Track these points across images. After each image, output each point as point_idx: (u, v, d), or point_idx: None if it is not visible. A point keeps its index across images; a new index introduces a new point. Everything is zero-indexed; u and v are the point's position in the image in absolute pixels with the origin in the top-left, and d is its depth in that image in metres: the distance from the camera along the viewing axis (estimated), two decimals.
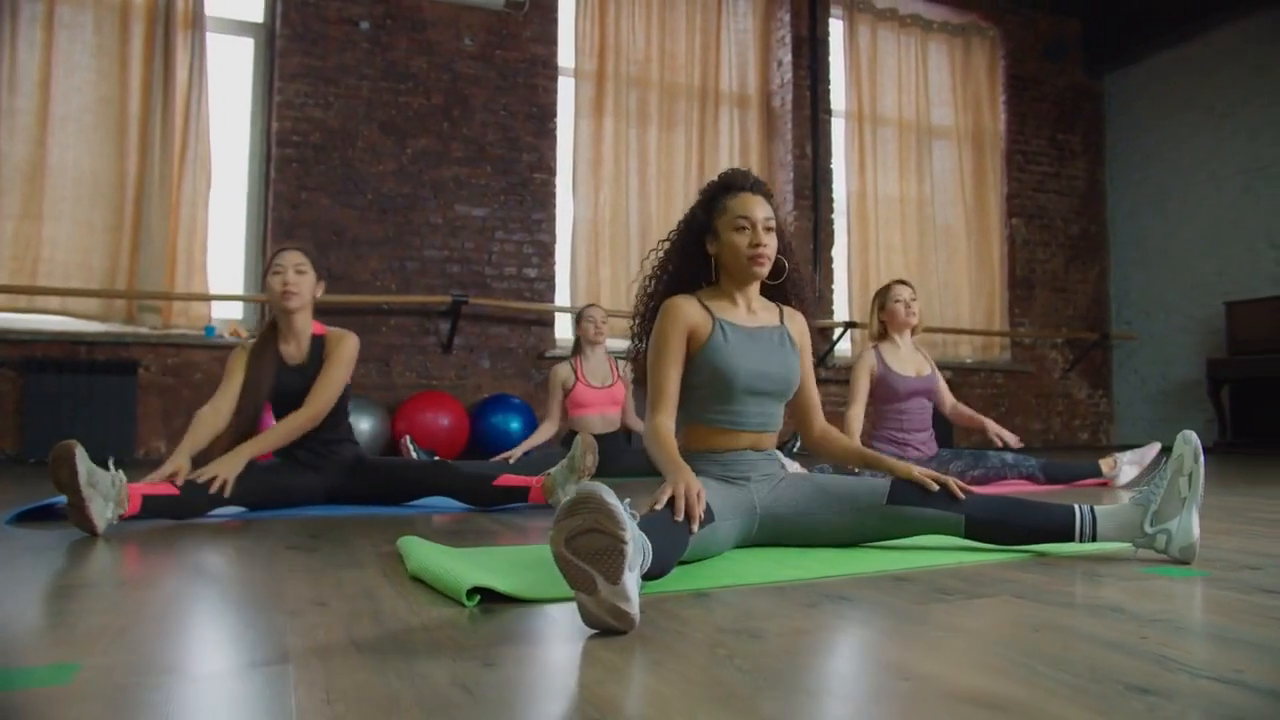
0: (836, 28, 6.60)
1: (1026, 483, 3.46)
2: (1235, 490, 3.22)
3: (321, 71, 5.18)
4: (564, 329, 5.80)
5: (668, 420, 1.81)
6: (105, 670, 1.01)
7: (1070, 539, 1.78)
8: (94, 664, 1.04)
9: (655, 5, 6.08)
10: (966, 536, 1.82)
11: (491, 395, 5.32)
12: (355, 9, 5.27)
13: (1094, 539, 1.76)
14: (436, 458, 3.99)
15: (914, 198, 6.74)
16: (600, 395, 4.11)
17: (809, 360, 2.02)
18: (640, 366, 1.96)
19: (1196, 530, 1.67)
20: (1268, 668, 1.04)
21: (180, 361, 4.83)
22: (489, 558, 1.77)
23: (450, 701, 0.91)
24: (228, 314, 5.14)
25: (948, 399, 3.65)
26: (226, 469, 2.46)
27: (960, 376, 6.55)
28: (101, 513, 2.07)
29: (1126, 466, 3.41)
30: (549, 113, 5.71)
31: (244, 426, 2.60)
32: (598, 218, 5.86)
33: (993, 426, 3.50)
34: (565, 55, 5.84)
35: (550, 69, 5.73)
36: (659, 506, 1.52)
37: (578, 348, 4.24)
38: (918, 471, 1.83)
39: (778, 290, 1.99)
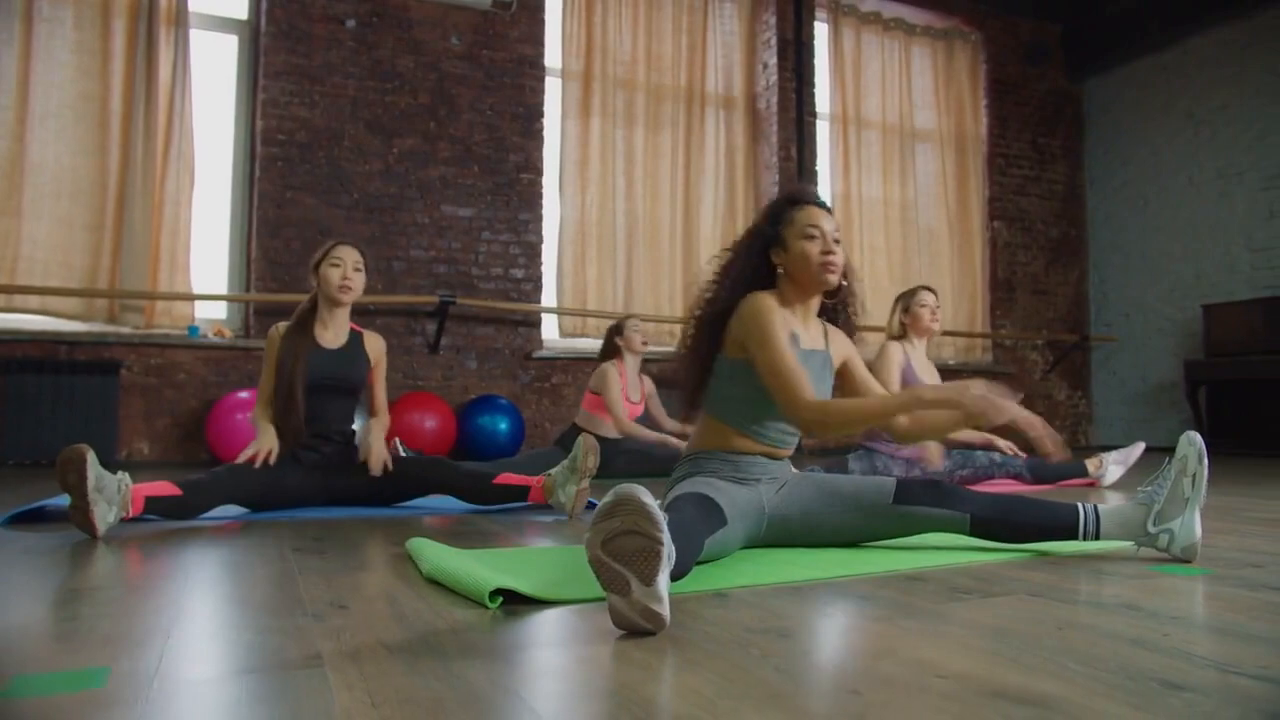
0: (821, 31, 6.64)
1: (1014, 482, 3.49)
2: (1223, 490, 3.27)
3: (307, 70, 5.13)
4: (550, 330, 5.80)
5: (814, 394, 1.79)
6: (137, 673, 0.99)
7: (1074, 537, 1.81)
8: (124, 667, 1.02)
9: (642, 6, 6.08)
10: (971, 534, 1.84)
11: (479, 396, 5.30)
12: (341, 7, 5.22)
13: (1097, 537, 1.79)
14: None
15: (898, 200, 6.79)
16: (631, 409, 4.12)
17: (862, 366, 2.05)
18: (688, 365, 1.94)
19: (1199, 530, 1.70)
20: None
21: (163, 362, 4.77)
22: (503, 559, 1.76)
23: (496, 703, 0.91)
24: (211, 314, 5.08)
25: None
26: (267, 442, 2.56)
27: (943, 378, 6.59)
28: (104, 516, 2.05)
29: (1112, 467, 3.46)
30: (536, 113, 5.70)
31: (280, 405, 2.64)
32: (584, 218, 5.85)
33: (1002, 443, 3.53)
34: (552, 55, 5.83)
35: (537, 69, 5.72)
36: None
37: (613, 354, 4.19)
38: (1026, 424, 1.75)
39: (829, 306, 1.99)
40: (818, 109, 6.53)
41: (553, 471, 2.60)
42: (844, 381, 2.03)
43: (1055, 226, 7.32)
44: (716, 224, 6.23)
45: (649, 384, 4.34)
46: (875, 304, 6.58)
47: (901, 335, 3.56)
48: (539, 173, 5.69)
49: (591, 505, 2.72)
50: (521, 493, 2.65)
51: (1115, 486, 3.48)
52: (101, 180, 4.76)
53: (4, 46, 4.59)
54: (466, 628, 1.23)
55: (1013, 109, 7.23)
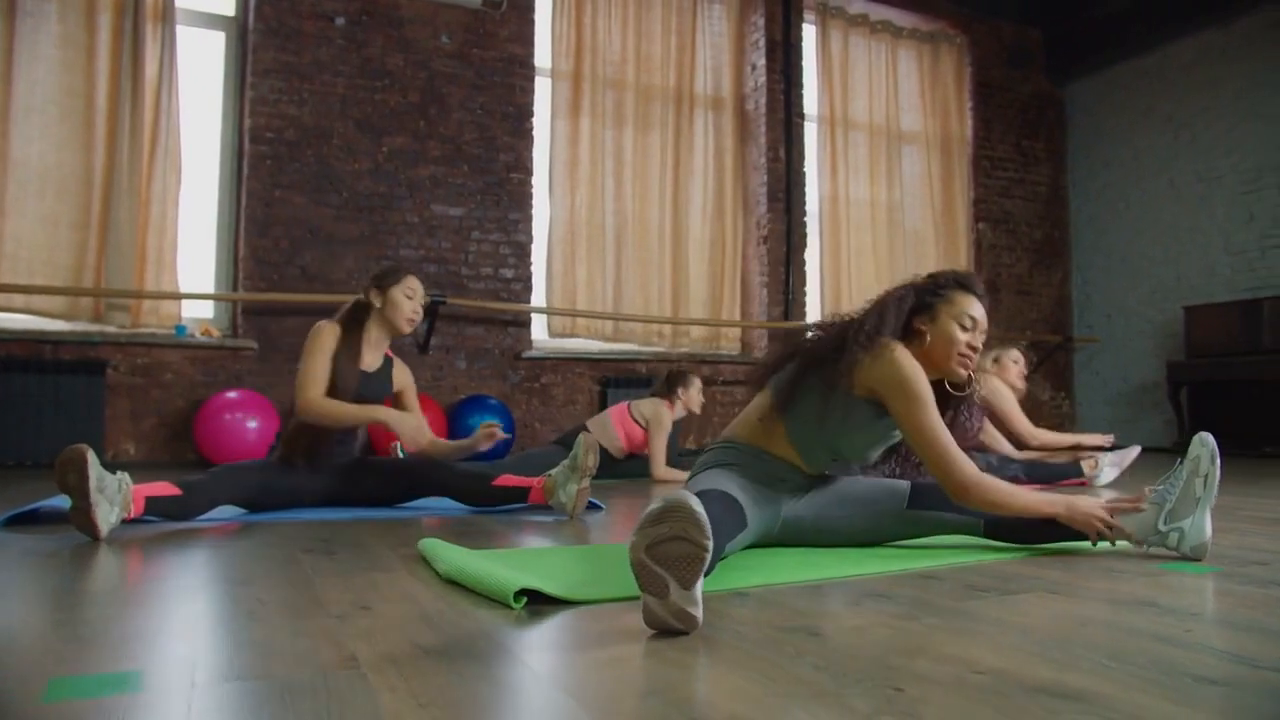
0: (809, 33, 6.67)
1: (1010, 483, 3.53)
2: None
3: (296, 67, 5.09)
4: (540, 330, 5.78)
5: (974, 469, 1.80)
6: (171, 676, 0.98)
7: (1086, 537, 1.83)
8: (157, 670, 1.01)
9: (631, 7, 6.08)
10: (985, 536, 1.86)
11: (468, 396, 5.28)
12: (330, 4, 5.18)
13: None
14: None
15: (884, 202, 6.83)
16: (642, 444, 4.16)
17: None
18: (799, 372, 1.87)
19: (1209, 529, 1.72)
20: None
21: (150, 361, 4.71)
22: (518, 559, 1.76)
23: (546, 704, 0.91)
24: (199, 313, 5.03)
25: None
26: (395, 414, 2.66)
27: None
28: (106, 517, 2.02)
29: (1108, 468, 3.50)
30: (526, 113, 5.68)
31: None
32: (574, 219, 5.84)
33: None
34: (542, 55, 5.81)
35: (527, 69, 5.70)
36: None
37: (667, 395, 4.20)
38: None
39: (950, 399, 1.94)
40: (806, 110, 6.56)
41: (553, 472, 2.59)
42: None
43: (1039, 228, 7.40)
44: (705, 224, 6.25)
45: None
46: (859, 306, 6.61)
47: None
48: (529, 172, 5.67)
49: (592, 505, 2.73)
50: (522, 494, 2.64)
51: (1110, 487, 3.52)
52: (86, 177, 4.69)
53: None
54: (495, 628, 1.23)
55: (997, 112, 7.30)
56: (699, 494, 1.68)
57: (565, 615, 1.31)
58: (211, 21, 5.19)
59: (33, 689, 0.94)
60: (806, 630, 1.21)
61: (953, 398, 1.95)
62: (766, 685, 0.96)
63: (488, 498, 2.67)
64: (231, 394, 4.58)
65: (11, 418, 4.31)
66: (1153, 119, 6.84)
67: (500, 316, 5.53)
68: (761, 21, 6.40)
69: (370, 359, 2.71)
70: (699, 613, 1.16)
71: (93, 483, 2.01)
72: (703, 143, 6.29)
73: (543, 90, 5.81)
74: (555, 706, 0.90)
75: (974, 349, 1.91)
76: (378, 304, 2.71)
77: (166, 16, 4.88)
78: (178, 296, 4.83)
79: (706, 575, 1.41)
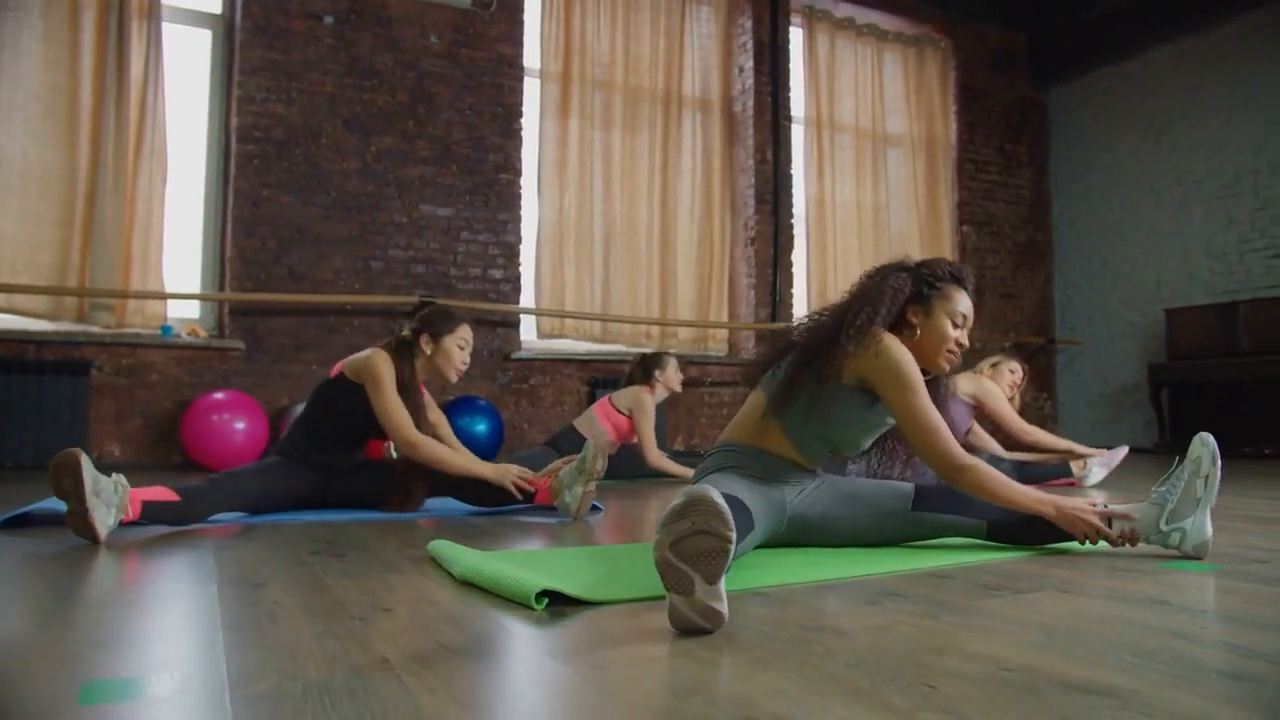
0: (796, 36, 6.71)
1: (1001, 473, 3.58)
2: None
3: (284, 66, 5.05)
4: (529, 331, 5.77)
5: (966, 453, 1.82)
6: (204, 678, 0.98)
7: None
8: (188, 672, 1.00)
9: (620, 8, 6.09)
10: (988, 539, 1.88)
11: (457, 397, 5.25)
12: (319, 3, 5.15)
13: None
14: None
15: (870, 204, 6.88)
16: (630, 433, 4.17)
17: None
18: (797, 367, 1.87)
19: (1210, 529, 1.75)
20: None
21: (135, 362, 4.65)
22: (532, 560, 1.76)
23: (588, 703, 0.91)
24: (185, 313, 4.98)
25: None
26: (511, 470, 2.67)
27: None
28: (104, 520, 1.99)
29: (1096, 468, 3.54)
30: (515, 113, 5.67)
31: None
32: (562, 219, 5.84)
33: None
34: (531, 56, 5.81)
35: (516, 69, 5.69)
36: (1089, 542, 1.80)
37: (644, 382, 4.21)
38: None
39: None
40: (792, 113, 6.60)
41: (560, 473, 2.59)
42: None
43: (1022, 231, 7.48)
44: (693, 225, 6.26)
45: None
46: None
47: None
48: (518, 173, 5.66)
49: (593, 507, 2.73)
50: (527, 495, 2.63)
51: (1098, 487, 3.57)
52: (70, 175, 4.64)
53: None
54: (519, 629, 1.23)
55: (981, 115, 7.37)
56: None
57: (586, 616, 1.31)
58: (198, 19, 5.14)
59: (65, 692, 0.93)
60: (831, 629, 1.22)
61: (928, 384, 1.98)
62: (802, 683, 0.97)
63: (493, 498, 2.66)
64: (219, 395, 4.54)
65: None
66: (1133, 124, 6.94)
67: (489, 317, 5.51)
68: (749, 24, 6.43)
69: (412, 394, 2.70)
70: (724, 609, 1.16)
71: (88, 486, 1.98)
72: (691, 144, 6.31)
73: (531, 91, 5.80)
74: (598, 708, 0.90)
75: (961, 345, 1.93)
76: (428, 351, 2.70)
77: (152, 13, 4.83)
78: (163, 296, 4.78)
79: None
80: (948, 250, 7.15)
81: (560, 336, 5.82)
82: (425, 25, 5.43)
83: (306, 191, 5.07)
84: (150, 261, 4.76)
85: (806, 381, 1.83)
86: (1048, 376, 7.48)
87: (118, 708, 0.88)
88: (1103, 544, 1.88)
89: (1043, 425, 7.33)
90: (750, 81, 6.40)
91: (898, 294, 1.90)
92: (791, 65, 6.62)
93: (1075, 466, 3.54)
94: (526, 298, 5.70)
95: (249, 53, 4.98)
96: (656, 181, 6.15)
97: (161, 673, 1.00)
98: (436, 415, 2.88)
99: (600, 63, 6.01)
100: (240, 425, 4.44)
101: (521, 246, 5.67)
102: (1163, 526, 1.77)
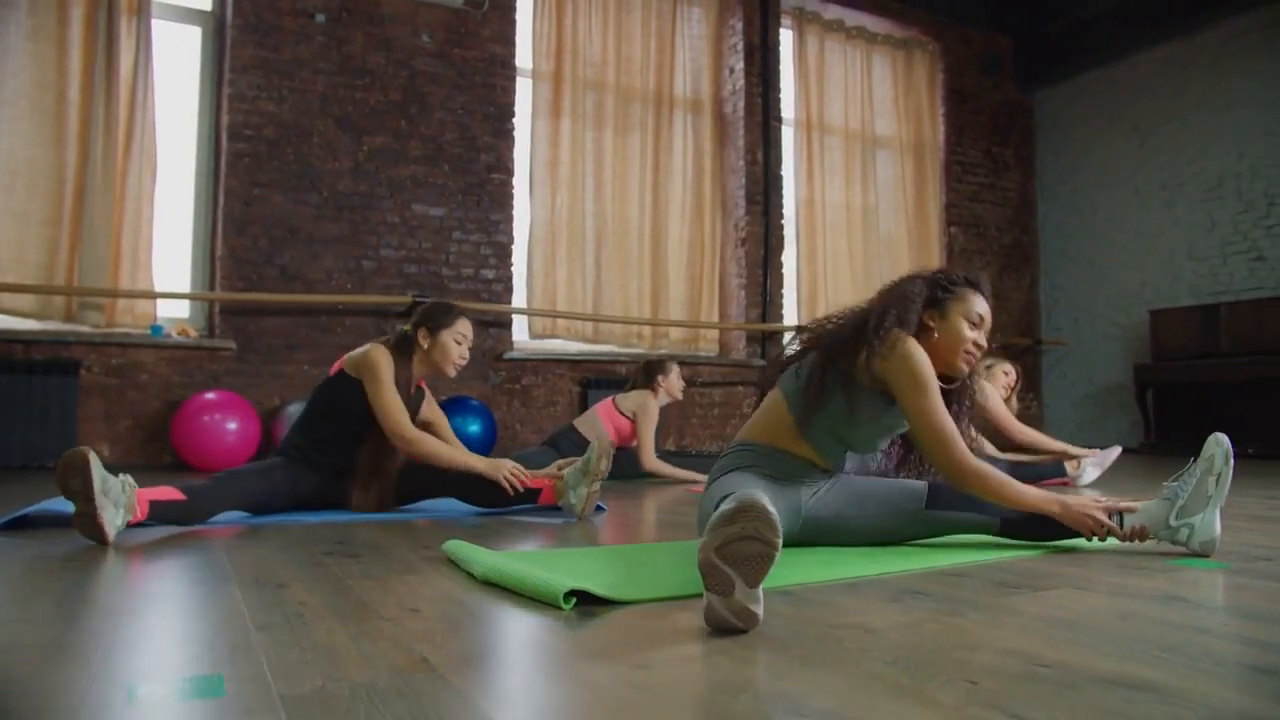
0: (786, 38, 6.74)
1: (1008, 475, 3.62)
2: None
3: (275, 64, 5.02)
4: (520, 331, 5.76)
5: (975, 458, 1.85)
6: (251, 680, 0.97)
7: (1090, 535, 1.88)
8: (230, 674, 1.00)
9: (611, 9, 6.09)
10: (1000, 535, 1.91)
11: (450, 397, 5.23)
12: (310, 1, 5.12)
13: (1120, 528, 1.86)
14: None
15: (859, 206, 6.92)
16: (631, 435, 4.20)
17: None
18: (820, 369, 1.89)
19: (1218, 526, 1.78)
20: None
21: (125, 362, 4.61)
22: (549, 561, 1.76)
23: (639, 702, 0.91)
24: (175, 313, 4.93)
25: None
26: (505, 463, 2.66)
27: None
28: (112, 521, 1.97)
29: (1090, 468, 3.58)
30: (507, 113, 5.66)
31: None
32: (554, 219, 5.83)
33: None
34: (523, 56, 5.80)
35: (508, 69, 5.68)
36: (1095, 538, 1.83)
37: (647, 386, 4.24)
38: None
39: (949, 394, 1.97)
40: (783, 114, 6.62)
41: (565, 473, 2.60)
42: None
43: (1008, 233, 7.55)
44: (684, 226, 6.27)
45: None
46: (836, 309, 6.69)
47: None
48: (510, 173, 5.65)
49: (599, 509, 2.73)
50: (532, 495, 2.64)
51: (1092, 486, 3.61)
52: (59, 173, 4.58)
53: None
54: (552, 629, 1.23)
55: (968, 118, 7.43)
56: (724, 498, 1.70)
57: (615, 616, 1.32)
58: (188, 16, 5.10)
59: (113, 695, 0.92)
60: (859, 627, 1.23)
61: (951, 392, 1.99)
62: (845, 681, 0.98)
63: (498, 499, 2.66)
64: (210, 395, 4.50)
65: None
66: (1118, 127, 7.02)
67: (481, 317, 5.50)
68: (740, 25, 6.45)
69: (409, 390, 2.70)
70: (760, 610, 1.17)
71: (97, 486, 1.96)
72: (682, 145, 6.32)
73: (524, 91, 5.79)
74: (651, 707, 0.91)
75: (979, 346, 1.96)
76: (425, 345, 2.70)
77: (141, 10, 4.78)
78: (153, 295, 4.73)
79: None
80: (935, 251, 7.20)
81: (552, 337, 5.82)
82: (417, 24, 5.41)
83: (298, 190, 5.04)
84: (140, 260, 4.72)
85: (827, 383, 1.84)
86: (1034, 377, 7.55)
87: (170, 708, 0.88)
88: (1110, 540, 1.91)
89: (1028, 426, 7.41)
90: (741, 83, 6.42)
91: (916, 298, 1.93)
92: (781, 67, 6.64)
93: (1069, 466, 3.59)
94: (518, 298, 5.69)
95: (240, 50, 4.94)
96: (648, 182, 6.16)
97: (205, 674, 1.00)
98: (436, 412, 2.87)
99: (592, 63, 6.01)
100: (232, 426, 4.41)
101: (514, 246, 5.66)
102: (1172, 522, 1.80)
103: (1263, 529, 2.28)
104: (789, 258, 6.62)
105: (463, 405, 5.15)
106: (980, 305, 1.97)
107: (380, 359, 2.61)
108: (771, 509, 1.15)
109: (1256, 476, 4.09)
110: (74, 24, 4.66)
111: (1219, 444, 1.77)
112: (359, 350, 2.66)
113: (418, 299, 5.10)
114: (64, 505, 2.21)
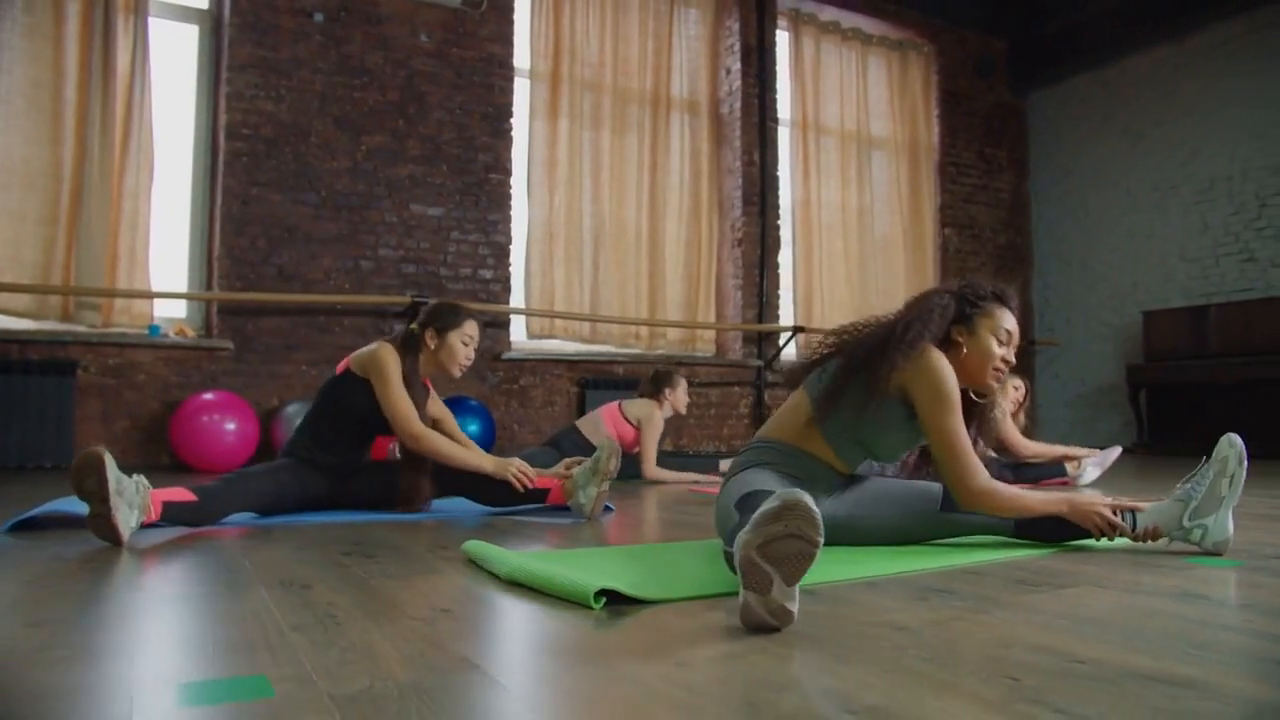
0: (782, 39, 6.76)
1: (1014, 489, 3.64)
2: None
3: (273, 63, 5.00)
4: (519, 331, 5.76)
5: (987, 477, 1.85)
6: (297, 680, 0.98)
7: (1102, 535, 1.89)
8: (282, 674, 1.00)
9: (609, 9, 6.10)
10: (1015, 535, 1.92)
11: (448, 398, 5.22)
12: (309, 0, 5.10)
13: (1133, 530, 1.88)
14: None
15: (855, 206, 6.95)
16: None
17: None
18: (842, 375, 1.89)
19: (1231, 526, 1.81)
20: None
21: (122, 362, 4.58)
22: (570, 560, 1.77)
23: (683, 701, 0.92)
24: (172, 313, 4.91)
25: None
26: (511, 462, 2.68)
27: None
28: (126, 521, 1.97)
29: (1090, 469, 3.61)
30: (505, 113, 5.66)
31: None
32: (552, 220, 5.84)
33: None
34: (521, 56, 5.80)
35: (506, 69, 5.68)
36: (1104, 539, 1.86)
37: (654, 396, 4.27)
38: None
39: (974, 408, 1.98)
40: (779, 115, 6.64)
41: (574, 473, 2.60)
42: None
43: (1002, 234, 7.59)
44: (681, 227, 6.29)
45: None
46: (832, 309, 6.73)
47: None
48: (508, 173, 5.65)
49: (607, 509, 2.73)
50: (540, 495, 2.64)
51: (1092, 486, 3.64)
52: (55, 172, 4.56)
53: None
54: (585, 628, 1.24)
55: (962, 120, 7.47)
56: (748, 495, 1.70)
57: (645, 615, 1.32)
58: (185, 14, 5.07)
59: (161, 698, 0.92)
60: (891, 624, 1.24)
61: (976, 406, 2.00)
62: (886, 678, 0.99)
63: (507, 498, 2.66)
64: (208, 395, 4.49)
65: None
66: (1111, 129, 7.07)
67: (479, 317, 5.47)
68: (736, 26, 6.47)
69: (414, 391, 2.69)
70: (796, 609, 1.18)
71: (112, 486, 1.95)
72: (679, 145, 6.34)
73: (521, 91, 5.79)
74: (699, 706, 0.92)
75: (1008, 363, 1.96)
76: (432, 345, 2.70)
77: (138, 8, 4.76)
78: (151, 295, 4.71)
79: None
80: (929, 252, 7.24)
81: (550, 337, 5.82)
82: (416, 24, 5.40)
83: (296, 190, 5.02)
84: (137, 260, 4.69)
85: (852, 390, 1.85)
86: (1027, 378, 7.59)
87: (221, 709, 0.88)
88: (1122, 540, 1.93)
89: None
90: (737, 84, 6.44)
91: (945, 311, 1.93)
92: (778, 68, 6.67)
93: (1070, 466, 3.61)
94: (516, 298, 5.69)
95: (238, 49, 4.92)
96: (645, 182, 6.17)
97: (251, 674, 1.00)
98: (442, 411, 2.87)
99: (589, 63, 6.02)
100: (230, 426, 4.39)
101: (511, 246, 5.66)
102: (1185, 523, 1.82)
103: (1269, 527, 2.31)
104: (785, 258, 6.65)
105: (461, 405, 5.14)
106: (1009, 321, 1.96)
107: (388, 358, 2.61)
108: (815, 507, 1.16)
109: (1252, 476, 4.12)
110: (71, 22, 4.63)
111: (1232, 445, 1.79)
112: (366, 349, 2.66)
113: (416, 299, 5.09)
114: (71, 505, 2.21)
